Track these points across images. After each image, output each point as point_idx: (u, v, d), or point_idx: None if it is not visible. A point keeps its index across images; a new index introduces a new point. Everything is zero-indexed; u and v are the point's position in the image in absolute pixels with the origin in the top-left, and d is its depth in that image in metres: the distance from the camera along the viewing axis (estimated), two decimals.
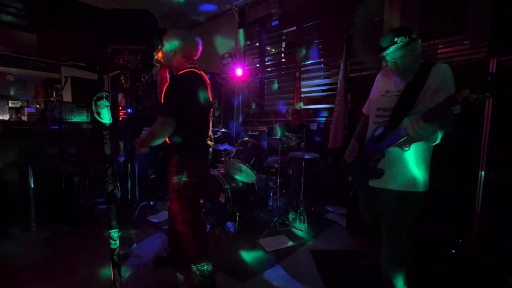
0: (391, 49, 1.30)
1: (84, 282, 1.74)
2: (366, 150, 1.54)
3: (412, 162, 1.35)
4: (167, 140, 1.59)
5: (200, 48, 1.67)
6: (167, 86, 1.56)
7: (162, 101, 1.55)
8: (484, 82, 0.94)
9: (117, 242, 1.16)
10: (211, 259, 1.65)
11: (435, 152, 1.41)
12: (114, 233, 1.15)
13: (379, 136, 1.42)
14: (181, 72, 1.58)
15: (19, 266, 1.92)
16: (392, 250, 1.43)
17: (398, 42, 1.28)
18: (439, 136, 1.24)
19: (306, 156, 2.60)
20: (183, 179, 1.57)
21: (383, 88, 1.50)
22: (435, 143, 1.31)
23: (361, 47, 3.26)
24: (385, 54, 1.35)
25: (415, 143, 1.31)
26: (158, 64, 1.67)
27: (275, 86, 4.46)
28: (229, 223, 2.61)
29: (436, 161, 1.44)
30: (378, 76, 1.60)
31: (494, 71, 1.86)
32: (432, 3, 2.69)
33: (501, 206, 1.85)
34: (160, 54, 1.64)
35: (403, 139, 1.25)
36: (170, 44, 1.58)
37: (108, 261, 1.17)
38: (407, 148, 1.32)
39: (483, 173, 1.91)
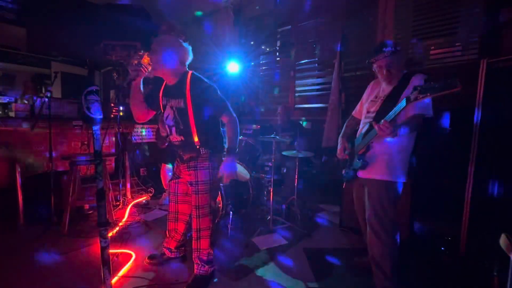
0: (379, 56, 1.54)
1: (75, 281, 1.71)
2: (355, 146, 1.75)
3: (393, 155, 1.54)
4: (196, 137, 1.61)
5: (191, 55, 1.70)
6: (199, 88, 1.60)
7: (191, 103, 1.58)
8: (427, 85, 1.18)
9: (107, 240, 1.14)
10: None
11: (425, 150, 1.53)
12: (105, 231, 1.13)
13: (365, 132, 1.64)
14: (188, 74, 1.64)
15: (7, 266, 1.86)
16: (379, 238, 1.56)
17: (385, 51, 1.51)
18: (400, 133, 1.45)
19: (300, 155, 2.60)
20: (216, 170, 1.67)
21: (373, 94, 1.73)
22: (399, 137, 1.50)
23: (355, 47, 3.29)
24: (375, 60, 1.59)
25: (397, 139, 1.52)
26: (142, 68, 1.53)
27: (269, 85, 4.46)
28: (222, 222, 2.59)
29: (426, 159, 1.52)
30: (370, 85, 1.84)
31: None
32: (425, 4, 2.72)
33: (489, 205, 1.89)
34: (146, 58, 1.53)
35: (375, 135, 1.49)
36: (171, 50, 1.56)
37: (99, 259, 1.15)
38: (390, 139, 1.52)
39: (472, 170, 1.95)
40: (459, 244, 2.02)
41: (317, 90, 3.84)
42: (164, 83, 1.71)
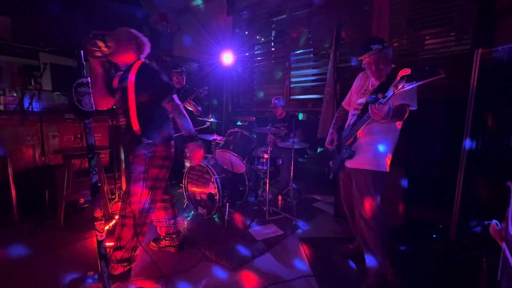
0: (367, 54, 1.58)
1: (71, 274, 1.71)
2: (343, 137, 1.80)
3: (379, 146, 1.61)
4: (136, 123, 1.60)
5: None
6: (145, 70, 1.61)
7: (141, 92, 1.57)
8: (412, 74, 1.21)
9: (103, 234, 1.14)
10: None
11: (418, 138, 1.56)
12: (100, 225, 1.13)
13: (352, 124, 1.68)
14: (139, 61, 1.65)
15: (4, 259, 1.86)
16: (368, 223, 1.62)
17: (373, 48, 1.55)
18: (393, 118, 1.45)
19: (295, 146, 2.61)
20: (158, 161, 1.72)
21: (363, 87, 1.77)
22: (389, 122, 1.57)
23: (350, 36, 3.25)
24: (363, 58, 1.62)
25: (379, 131, 1.61)
26: (100, 54, 1.52)
27: (264, 75, 4.42)
28: (219, 213, 2.61)
29: (420, 148, 1.55)
30: (358, 77, 1.86)
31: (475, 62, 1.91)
32: None
33: (480, 194, 1.94)
34: (101, 44, 1.51)
35: (368, 120, 1.50)
36: (130, 39, 1.65)
37: (95, 252, 1.15)
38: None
39: (465, 159, 1.99)
40: (449, 231, 2.08)
41: (313, 81, 3.82)
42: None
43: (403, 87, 1.24)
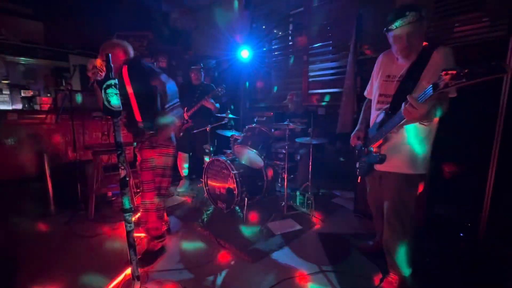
0: (400, 22, 1.27)
1: (103, 261, 1.85)
2: (369, 138, 1.59)
3: (413, 146, 1.38)
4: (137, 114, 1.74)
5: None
6: (133, 63, 1.74)
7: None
8: (462, 69, 0.94)
9: (132, 225, 1.22)
10: None
11: (444, 134, 1.42)
12: (129, 217, 1.20)
13: (380, 122, 1.45)
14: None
15: (44, 247, 2.04)
16: (395, 231, 1.48)
17: (408, 16, 1.25)
18: (434, 116, 1.26)
19: (314, 142, 2.59)
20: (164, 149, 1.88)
21: (385, 73, 1.50)
22: (427, 125, 1.34)
23: (372, 27, 3.12)
24: (394, 27, 1.31)
25: (415, 128, 1.35)
26: (98, 71, 1.51)
27: (282, 70, 4.38)
28: (237, 208, 2.67)
29: (445, 144, 1.45)
30: (380, 59, 1.60)
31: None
32: None
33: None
34: (99, 61, 1.51)
35: (402, 121, 1.25)
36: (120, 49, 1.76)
37: (125, 242, 1.23)
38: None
39: (496, 157, 1.87)
40: (478, 230, 1.98)
41: (332, 74, 3.73)
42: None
43: (447, 86, 0.97)
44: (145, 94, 1.71)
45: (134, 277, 1.26)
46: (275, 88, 4.48)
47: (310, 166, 2.67)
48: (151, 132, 1.74)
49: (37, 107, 3.72)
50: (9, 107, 3.76)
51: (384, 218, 1.54)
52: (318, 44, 3.81)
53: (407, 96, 1.14)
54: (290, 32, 4.30)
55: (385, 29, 1.38)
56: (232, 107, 4.48)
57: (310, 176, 2.71)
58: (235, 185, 2.48)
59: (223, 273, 1.74)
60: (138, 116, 1.72)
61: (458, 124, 2.31)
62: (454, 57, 1.28)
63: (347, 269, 1.80)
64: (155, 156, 1.80)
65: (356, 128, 1.73)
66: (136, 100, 1.70)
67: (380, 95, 1.51)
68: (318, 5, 3.73)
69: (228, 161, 2.57)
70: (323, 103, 3.74)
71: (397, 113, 1.27)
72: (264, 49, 4.55)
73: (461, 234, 2.10)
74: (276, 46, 4.48)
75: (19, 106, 3.83)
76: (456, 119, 2.28)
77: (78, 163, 2.81)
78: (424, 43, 1.36)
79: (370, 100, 1.70)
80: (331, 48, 3.73)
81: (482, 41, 2.41)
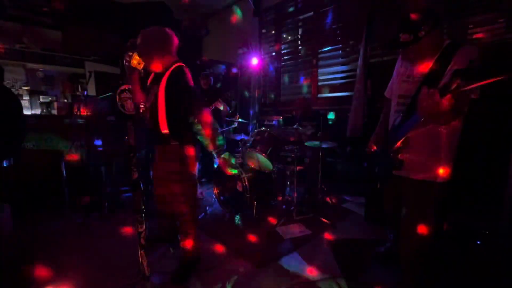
0: (415, 40, 1.21)
1: (116, 261, 1.88)
2: (387, 141, 1.51)
3: (434, 152, 1.30)
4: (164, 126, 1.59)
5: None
6: (176, 76, 1.56)
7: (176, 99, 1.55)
8: (472, 70, 0.90)
9: (144, 226, 1.24)
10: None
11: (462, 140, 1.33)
12: (140, 218, 1.23)
13: (398, 124, 1.39)
14: (175, 66, 1.59)
15: (59, 246, 2.11)
16: (411, 238, 1.41)
17: (422, 29, 1.19)
18: (452, 118, 1.15)
19: (323, 145, 2.57)
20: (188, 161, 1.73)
21: (405, 73, 1.41)
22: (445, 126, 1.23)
23: (383, 29, 3.08)
24: (404, 47, 1.27)
25: (435, 132, 1.26)
26: (136, 68, 1.52)
27: (291, 74, 4.39)
28: (246, 212, 2.67)
29: (462, 151, 1.37)
30: (400, 57, 1.50)
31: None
32: None
33: None
34: (136, 58, 1.50)
35: (420, 122, 1.16)
36: (159, 44, 1.58)
37: (136, 244, 1.26)
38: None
39: None
40: (497, 238, 1.90)
41: (341, 78, 3.71)
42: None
43: (464, 85, 0.90)
44: (178, 109, 1.56)
45: (144, 277, 1.28)
46: (286, 92, 4.49)
47: (320, 170, 2.65)
48: (177, 142, 1.64)
49: (54, 111, 3.87)
50: (29, 112, 3.93)
51: (400, 225, 1.49)
52: (328, 48, 3.80)
53: (426, 89, 1.04)
54: (299, 36, 4.32)
55: (392, 46, 1.33)
56: (242, 102, 4.50)
57: (319, 180, 2.68)
58: (244, 189, 2.48)
59: (231, 278, 1.73)
60: (164, 127, 1.59)
61: (476, 128, 2.24)
62: (480, 57, 1.17)
63: (358, 276, 1.76)
64: (183, 167, 1.68)
65: (374, 132, 1.68)
66: (166, 111, 1.56)
67: (399, 96, 1.44)
68: (327, 9, 3.73)
69: (237, 165, 2.58)
70: (333, 107, 3.71)
71: (415, 113, 1.18)
72: (273, 53, 4.58)
73: (478, 242, 2.02)
74: (285, 51, 4.50)
75: (38, 111, 4.01)
76: (473, 124, 2.21)
77: (93, 165, 2.90)
78: (446, 40, 1.27)
79: (389, 101, 1.63)
80: (340, 51, 3.71)
81: (499, 42, 2.34)
